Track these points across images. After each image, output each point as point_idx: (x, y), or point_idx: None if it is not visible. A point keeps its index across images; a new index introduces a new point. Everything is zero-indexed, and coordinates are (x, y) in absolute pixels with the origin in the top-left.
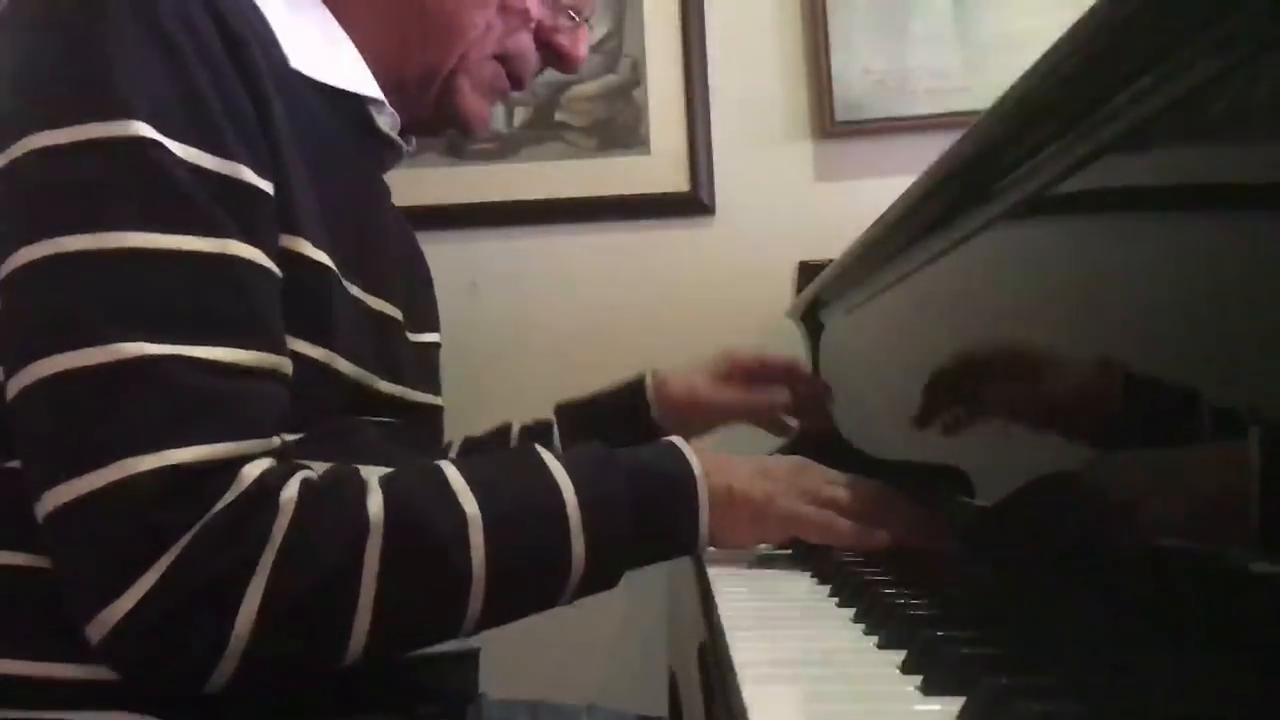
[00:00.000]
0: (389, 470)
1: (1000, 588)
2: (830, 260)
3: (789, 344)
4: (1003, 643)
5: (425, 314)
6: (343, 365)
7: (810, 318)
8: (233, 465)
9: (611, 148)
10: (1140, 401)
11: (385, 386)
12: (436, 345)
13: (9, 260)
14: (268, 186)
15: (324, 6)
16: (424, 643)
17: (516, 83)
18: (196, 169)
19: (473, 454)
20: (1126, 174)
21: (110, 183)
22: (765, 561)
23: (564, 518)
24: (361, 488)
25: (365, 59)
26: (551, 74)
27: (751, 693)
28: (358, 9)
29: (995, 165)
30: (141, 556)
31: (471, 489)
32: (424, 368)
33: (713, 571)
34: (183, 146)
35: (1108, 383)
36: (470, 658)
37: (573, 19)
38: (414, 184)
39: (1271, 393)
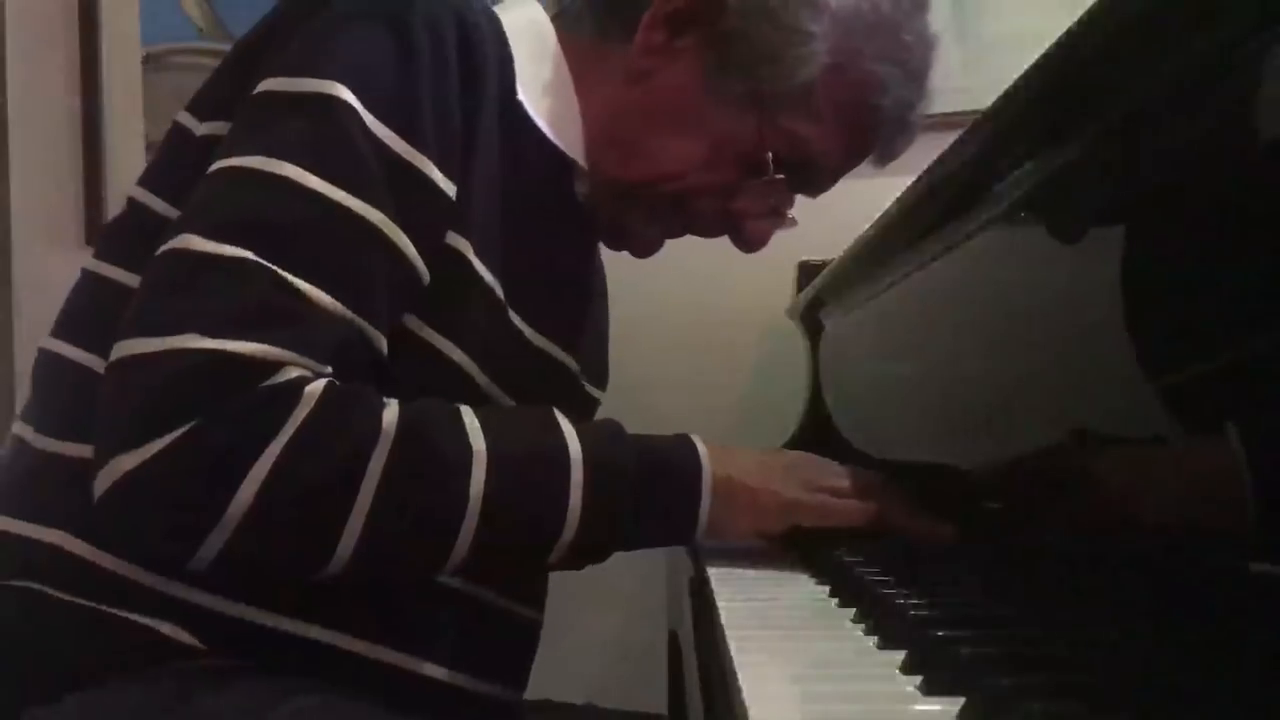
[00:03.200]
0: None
1: (1000, 588)
2: (830, 260)
3: (789, 344)
4: (1003, 643)
5: (599, 370)
6: (479, 376)
7: (810, 318)
8: (278, 367)
9: None
10: (1140, 401)
11: None
12: (597, 401)
13: (211, 167)
14: (449, 187)
15: (567, 69)
16: (409, 566)
17: (686, 231)
18: (381, 144)
19: None
20: (1126, 174)
21: (296, 126)
22: (765, 562)
23: (566, 474)
24: (380, 401)
25: (581, 134)
26: None
27: (751, 693)
28: (592, 91)
29: (995, 165)
30: (166, 419)
31: (483, 429)
32: (585, 419)
33: (713, 572)
34: (377, 122)
35: (1107, 383)
36: (513, 709)
37: (771, 211)
38: None
39: (1271, 392)
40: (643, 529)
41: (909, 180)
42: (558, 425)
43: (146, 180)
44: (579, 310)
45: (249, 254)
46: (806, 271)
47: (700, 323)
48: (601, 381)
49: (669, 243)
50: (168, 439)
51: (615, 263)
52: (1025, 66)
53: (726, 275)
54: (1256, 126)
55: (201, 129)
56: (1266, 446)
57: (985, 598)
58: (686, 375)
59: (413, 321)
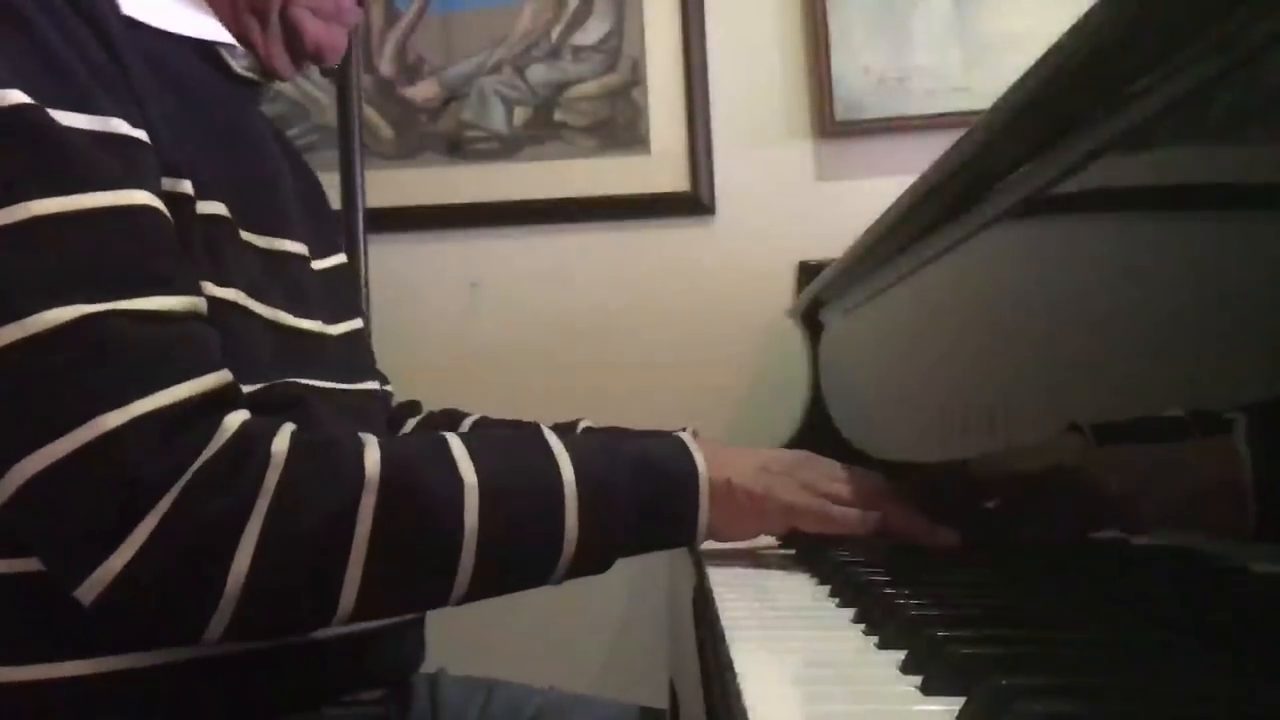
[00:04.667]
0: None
1: (1000, 587)
2: (830, 260)
3: (789, 344)
4: (1003, 642)
5: (328, 240)
6: (254, 305)
7: (810, 318)
8: (208, 409)
9: (611, 148)
10: (1140, 400)
11: (303, 324)
12: (343, 267)
13: None
14: (143, 135)
15: None
16: (414, 605)
17: (361, 4)
18: (74, 130)
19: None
20: (1126, 174)
21: (1, 155)
22: (765, 561)
23: (560, 495)
24: (358, 443)
25: (207, 4)
26: (552, 74)
27: (751, 693)
28: None
29: (995, 165)
30: (133, 510)
31: (472, 459)
32: (335, 294)
33: (712, 572)
34: (57, 112)
35: (1107, 382)
36: (412, 627)
37: None
38: (414, 184)
39: (1271, 392)
40: (642, 540)
41: (909, 180)
42: (547, 446)
43: None
44: (282, 189)
45: (82, 308)
46: (806, 271)
47: (700, 323)
48: (335, 246)
49: (669, 244)
50: (142, 533)
51: (617, 264)
52: (1025, 66)
53: (727, 275)
54: (1257, 125)
55: None
56: (1268, 446)
57: (985, 598)
58: (687, 375)
59: None
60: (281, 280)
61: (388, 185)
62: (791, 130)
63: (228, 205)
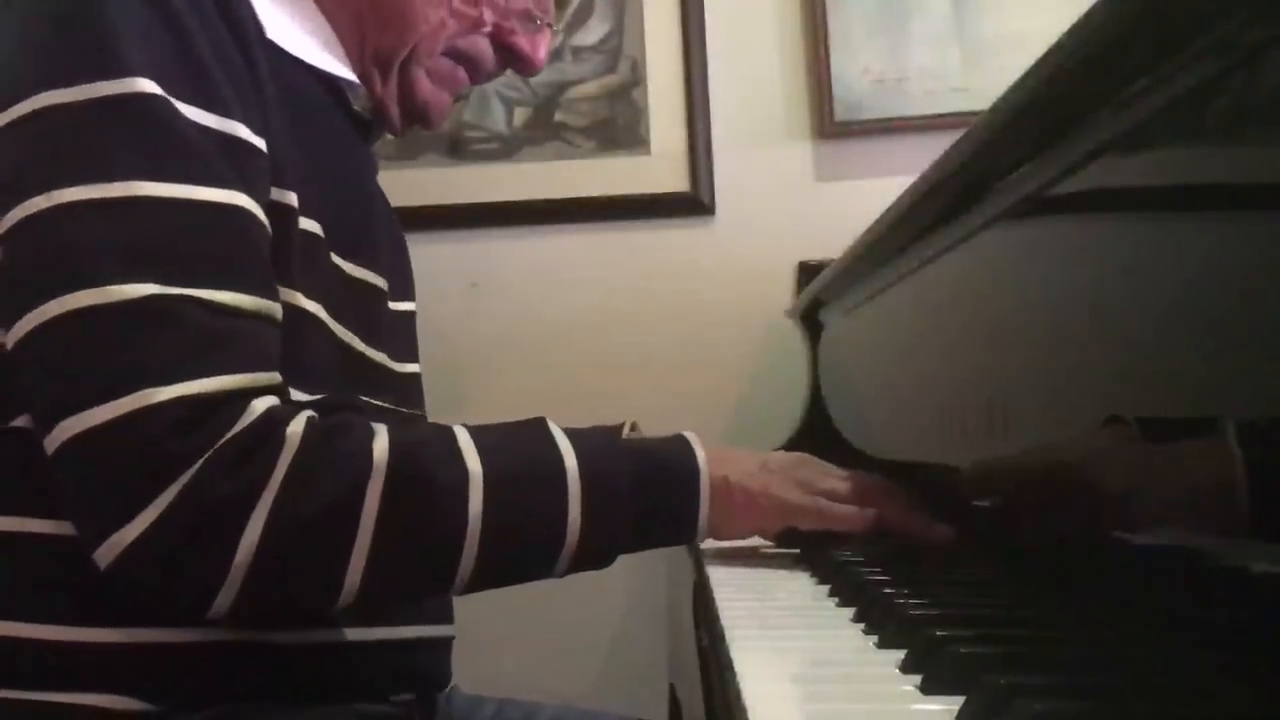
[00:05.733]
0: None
1: (999, 587)
2: (830, 260)
3: (788, 344)
4: (1002, 642)
5: (403, 283)
6: (330, 323)
7: (810, 318)
8: (243, 397)
9: (611, 148)
10: (1139, 401)
11: (372, 353)
12: (413, 314)
13: (11, 214)
14: (261, 144)
15: None
16: (417, 591)
17: (475, 80)
18: (197, 125)
19: None
20: (1126, 174)
21: (117, 136)
22: (765, 561)
23: (563, 487)
24: (369, 430)
25: (340, 47)
26: (551, 75)
27: (751, 692)
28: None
29: (995, 165)
30: (155, 483)
31: (477, 448)
32: (403, 336)
33: (712, 572)
34: (185, 105)
35: (1106, 382)
36: (444, 644)
37: (534, 23)
38: (414, 184)
39: (1271, 392)
40: (643, 535)
41: (908, 181)
42: (552, 438)
43: None
44: (377, 225)
45: (155, 288)
46: (806, 271)
47: (700, 323)
48: (409, 293)
49: (668, 243)
50: (160, 505)
51: (617, 264)
52: (1025, 67)
53: (726, 275)
54: (1257, 125)
55: None
56: (1266, 446)
57: (985, 597)
58: (686, 375)
59: None
60: (359, 307)
61: (388, 185)
62: (791, 131)
63: (323, 226)
